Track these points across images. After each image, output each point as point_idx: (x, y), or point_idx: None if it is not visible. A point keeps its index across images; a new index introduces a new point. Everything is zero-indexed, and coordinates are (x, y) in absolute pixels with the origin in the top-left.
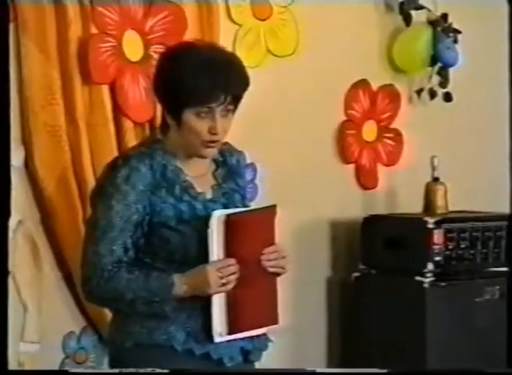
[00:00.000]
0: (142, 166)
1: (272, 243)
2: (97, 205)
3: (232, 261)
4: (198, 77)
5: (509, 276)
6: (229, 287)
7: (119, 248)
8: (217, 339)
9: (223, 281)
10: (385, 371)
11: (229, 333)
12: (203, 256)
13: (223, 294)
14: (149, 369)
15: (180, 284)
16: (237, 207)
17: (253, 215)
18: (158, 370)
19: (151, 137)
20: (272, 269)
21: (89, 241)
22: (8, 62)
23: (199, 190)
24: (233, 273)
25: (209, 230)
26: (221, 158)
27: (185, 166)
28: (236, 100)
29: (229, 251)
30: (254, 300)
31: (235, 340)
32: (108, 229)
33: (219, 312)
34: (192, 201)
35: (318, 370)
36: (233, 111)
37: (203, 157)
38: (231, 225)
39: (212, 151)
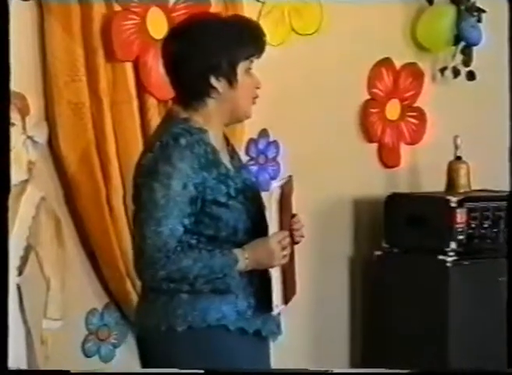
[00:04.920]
0: (195, 144)
1: (293, 213)
2: (153, 185)
3: (287, 232)
4: (248, 29)
5: (509, 272)
6: (287, 258)
7: (180, 227)
8: (275, 311)
9: (284, 253)
10: (396, 371)
11: (282, 305)
12: (250, 231)
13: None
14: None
15: (242, 259)
16: (254, 180)
17: (288, 186)
18: (165, 370)
19: (175, 116)
20: (297, 239)
21: (148, 221)
22: (8, 53)
23: (229, 166)
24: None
25: (269, 202)
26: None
27: (215, 143)
28: None
29: (280, 222)
30: (291, 270)
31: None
32: (169, 208)
33: (276, 284)
34: (232, 176)
35: (336, 370)
36: None
37: (248, 117)
38: (282, 196)
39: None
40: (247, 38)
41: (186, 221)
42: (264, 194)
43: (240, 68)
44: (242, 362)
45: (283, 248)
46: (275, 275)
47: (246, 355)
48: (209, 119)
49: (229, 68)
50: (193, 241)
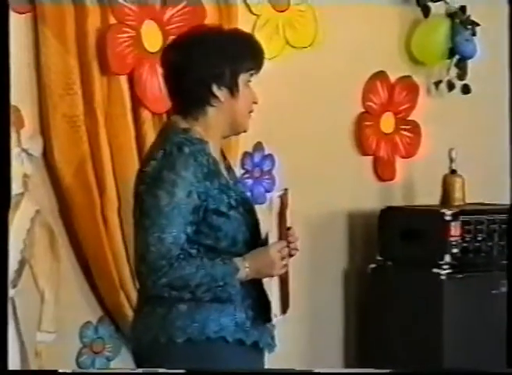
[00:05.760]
0: (197, 154)
1: (288, 226)
2: (157, 192)
3: (285, 242)
4: (250, 43)
5: (509, 275)
6: (286, 268)
7: (183, 234)
8: (274, 320)
9: (284, 262)
10: (387, 371)
11: (281, 315)
12: (248, 242)
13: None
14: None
15: (243, 268)
16: (249, 195)
17: (286, 198)
18: (159, 370)
19: (175, 126)
20: (292, 252)
21: (152, 228)
22: (8, 59)
23: (227, 178)
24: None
25: (270, 212)
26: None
27: (214, 155)
28: None
29: (279, 233)
30: (286, 283)
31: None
32: (173, 216)
33: (275, 293)
34: (232, 188)
35: (316, 370)
36: None
37: (245, 130)
38: (281, 207)
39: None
40: (250, 52)
41: (189, 229)
42: (260, 206)
43: (241, 79)
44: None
45: (283, 258)
46: (274, 284)
47: (243, 366)
48: (209, 129)
49: (231, 78)
50: (193, 251)
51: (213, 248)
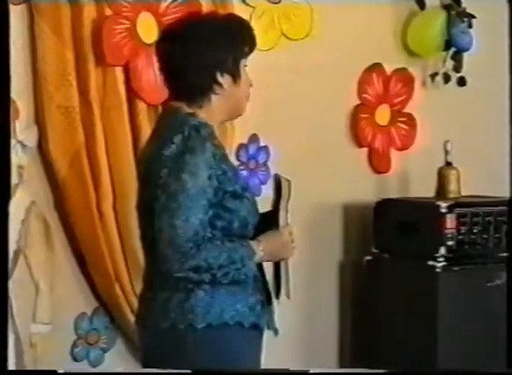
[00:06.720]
0: (212, 137)
1: None
2: (181, 175)
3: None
4: (245, 27)
5: (509, 273)
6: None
7: (207, 217)
8: (277, 302)
9: (293, 245)
10: (381, 371)
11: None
12: (255, 224)
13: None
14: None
15: (258, 251)
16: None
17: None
18: (159, 370)
19: (181, 111)
20: None
21: (178, 211)
22: (8, 54)
23: None
24: None
25: (284, 194)
26: None
27: None
28: None
29: (286, 216)
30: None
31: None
32: (198, 198)
33: (284, 275)
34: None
35: (312, 371)
36: None
37: (241, 114)
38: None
39: None
40: (246, 37)
41: (210, 212)
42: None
43: (241, 65)
44: (255, 357)
45: (292, 241)
46: (283, 267)
47: (258, 350)
48: (212, 115)
49: (234, 64)
50: (209, 234)
51: (226, 231)
